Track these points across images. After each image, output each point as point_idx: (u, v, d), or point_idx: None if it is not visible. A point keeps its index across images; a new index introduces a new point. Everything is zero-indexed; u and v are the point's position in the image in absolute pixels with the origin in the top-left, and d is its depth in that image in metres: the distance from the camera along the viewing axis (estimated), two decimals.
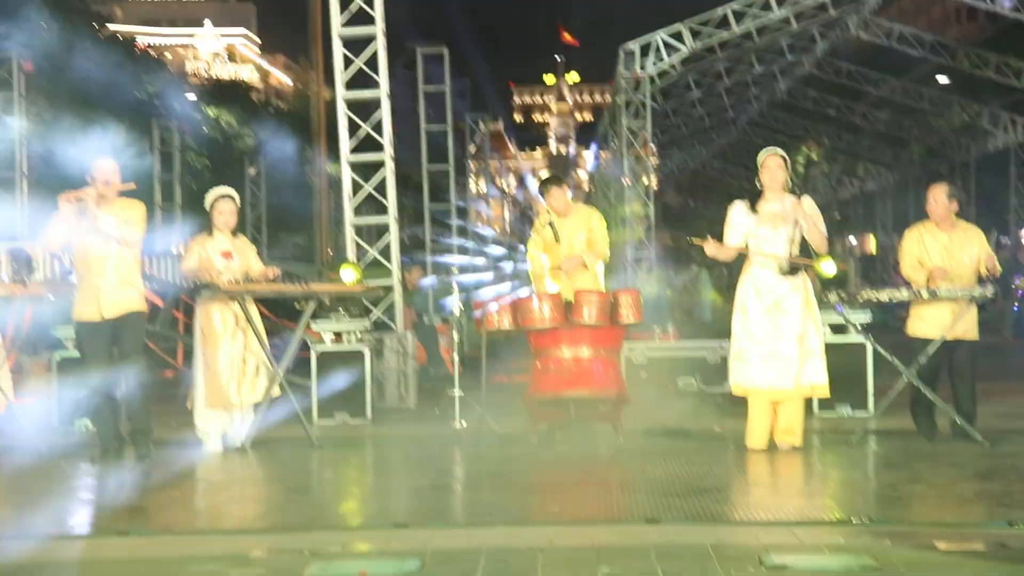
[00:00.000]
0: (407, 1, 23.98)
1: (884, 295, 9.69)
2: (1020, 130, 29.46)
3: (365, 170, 12.98)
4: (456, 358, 10.82)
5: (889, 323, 10.27)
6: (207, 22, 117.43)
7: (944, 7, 25.98)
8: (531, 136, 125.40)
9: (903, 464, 8.60)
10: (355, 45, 12.91)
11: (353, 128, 13.00)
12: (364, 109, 13.00)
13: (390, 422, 11.23)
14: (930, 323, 9.64)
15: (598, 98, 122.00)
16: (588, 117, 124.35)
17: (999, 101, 29.40)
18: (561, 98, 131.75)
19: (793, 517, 6.75)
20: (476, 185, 39.13)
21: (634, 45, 21.98)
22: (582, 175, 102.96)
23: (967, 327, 9.61)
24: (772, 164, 9.24)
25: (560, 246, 10.33)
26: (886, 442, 9.75)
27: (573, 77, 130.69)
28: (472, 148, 31.76)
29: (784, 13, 21.76)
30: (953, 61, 25.90)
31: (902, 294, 9.66)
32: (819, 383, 9.20)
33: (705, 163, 47.71)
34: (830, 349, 9.67)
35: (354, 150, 12.98)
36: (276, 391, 9.81)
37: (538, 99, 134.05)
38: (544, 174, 12.96)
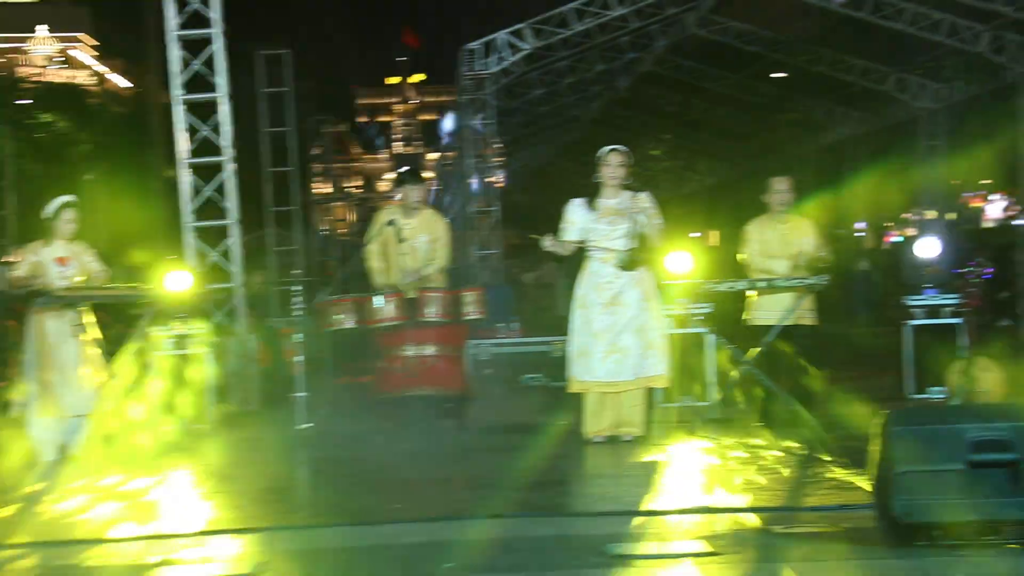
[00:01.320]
0: (249, 3, 23.70)
1: (724, 286, 9.90)
2: (853, 124, 30.22)
3: (206, 173, 12.81)
4: (300, 359, 10.72)
5: (732, 313, 10.47)
6: (41, 26, 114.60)
7: (779, 4, 26.62)
8: (376, 138, 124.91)
9: (743, 451, 8.75)
10: (194, 47, 12.75)
11: (194, 131, 12.83)
12: (205, 111, 12.84)
13: (232, 425, 11.09)
14: (768, 311, 9.90)
15: (443, 98, 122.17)
16: (433, 117, 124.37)
17: (833, 95, 30.10)
18: (405, 99, 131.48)
19: (635, 506, 6.83)
20: (320, 187, 38.82)
21: (476, 44, 22.05)
22: (427, 175, 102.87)
23: (804, 312, 9.89)
24: (613, 160, 9.34)
25: (402, 246, 10.29)
26: (728, 431, 9.92)
27: (418, 78, 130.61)
28: (316, 150, 31.51)
29: (623, 11, 22.01)
30: (788, 57, 26.46)
31: (740, 285, 9.88)
32: (659, 374, 9.32)
33: (551, 161, 48.03)
34: (673, 340, 9.79)
35: (194, 153, 12.81)
36: (113, 398, 9.61)
37: (382, 100, 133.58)
38: (403, 168, 12.91)
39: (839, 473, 7.59)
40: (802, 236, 10.04)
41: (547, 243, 9.28)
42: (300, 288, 10.78)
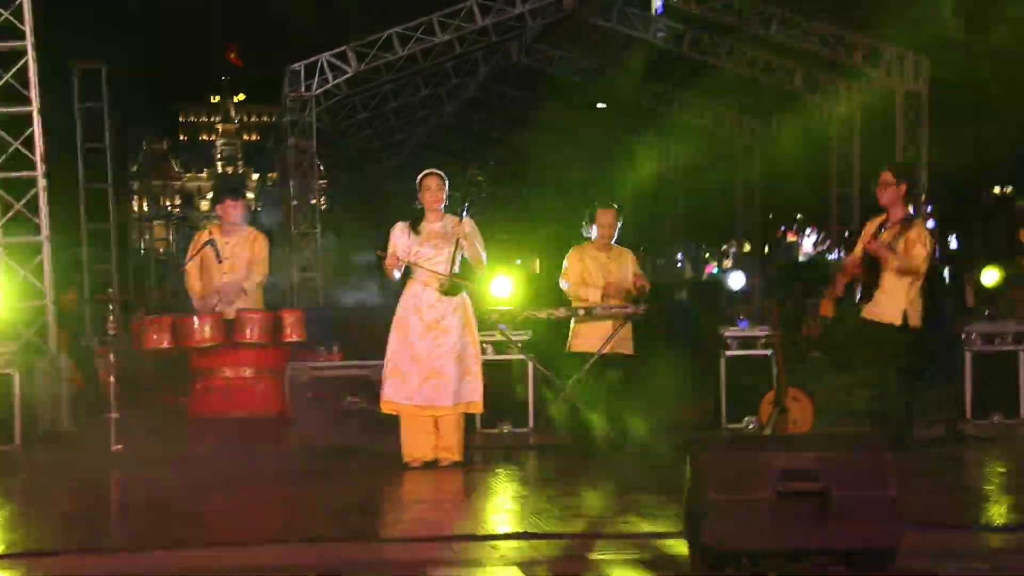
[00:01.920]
0: (68, 16, 23.15)
1: (544, 313, 10.01)
2: (672, 157, 30.85)
3: (18, 188, 12.49)
4: (113, 380, 10.48)
5: (552, 342, 10.60)
6: None
7: (603, 34, 27.19)
8: (197, 156, 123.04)
9: (561, 478, 8.85)
10: (6, 60, 12.44)
11: (5, 145, 12.50)
12: (17, 125, 12.52)
13: (42, 448, 10.78)
14: (588, 339, 10.04)
15: (265, 118, 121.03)
16: (256, 137, 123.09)
17: (654, 128, 30.69)
18: (228, 118, 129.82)
19: (453, 531, 6.85)
20: (139, 205, 38.08)
21: (299, 66, 21.94)
22: (249, 195, 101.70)
23: (621, 341, 10.05)
24: (432, 183, 9.37)
25: (221, 266, 10.17)
26: (546, 457, 10.02)
27: (240, 97, 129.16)
28: (134, 167, 30.90)
29: (447, 37, 22.13)
30: (611, 89, 26.93)
31: (560, 312, 10.00)
32: (475, 400, 9.35)
33: (376, 183, 47.90)
34: (493, 366, 9.85)
35: (5, 167, 12.47)
36: None
37: (204, 119, 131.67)
38: (228, 186, 12.69)
39: (653, 500, 7.71)
40: (622, 266, 10.22)
41: (389, 263, 9.26)
42: (115, 307, 10.54)
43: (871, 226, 9.88)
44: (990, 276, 11.94)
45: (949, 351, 12.30)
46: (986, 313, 12.01)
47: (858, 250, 9.75)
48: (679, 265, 36.98)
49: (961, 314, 16.37)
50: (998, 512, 7.55)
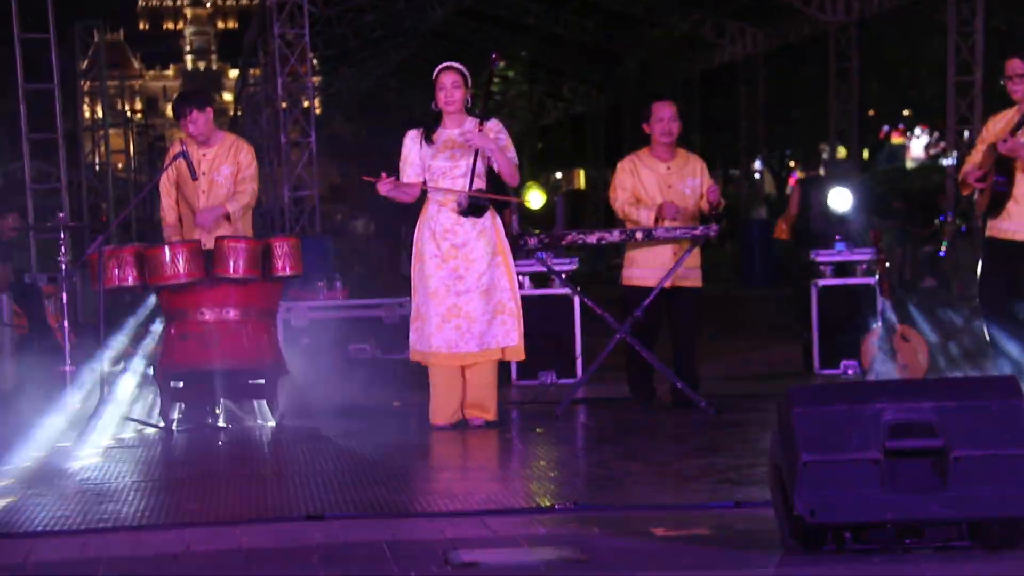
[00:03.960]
0: None
1: (593, 238, 10.01)
2: (749, 41, 30.63)
3: None
4: (67, 325, 10.56)
5: (602, 272, 10.61)
6: None
7: None
8: (161, 49, 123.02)
9: (616, 438, 8.90)
10: None
11: None
12: None
13: None
14: (646, 269, 10.00)
15: (245, 1, 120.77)
16: (233, 25, 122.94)
17: (725, 7, 30.48)
18: (198, 2, 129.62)
19: (485, 505, 6.90)
20: (91, 110, 38.14)
21: None
22: (227, 97, 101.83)
23: (689, 272, 10.01)
24: (447, 81, 9.34)
25: (198, 183, 10.20)
26: (597, 413, 10.08)
27: None
28: (84, 64, 30.93)
29: None
30: None
31: (614, 236, 9.99)
32: (512, 345, 9.37)
33: (380, 82, 47.84)
34: (529, 304, 9.89)
35: None
36: None
37: (169, 2, 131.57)
38: (182, 93, 12.59)
39: (731, 464, 7.75)
40: (688, 177, 10.14)
41: (384, 187, 9.27)
42: (66, 235, 10.60)
43: (996, 123, 9.84)
44: None
45: None
46: None
47: (977, 154, 9.71)
48: (757, 176, 36.89)
49: None
50: None
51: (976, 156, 9.76)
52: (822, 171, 29.78)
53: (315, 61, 29.30)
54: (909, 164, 39.85)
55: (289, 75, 22.27)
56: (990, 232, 9.77)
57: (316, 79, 28.51)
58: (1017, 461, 5.48)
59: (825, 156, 34.32)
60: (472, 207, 9.25)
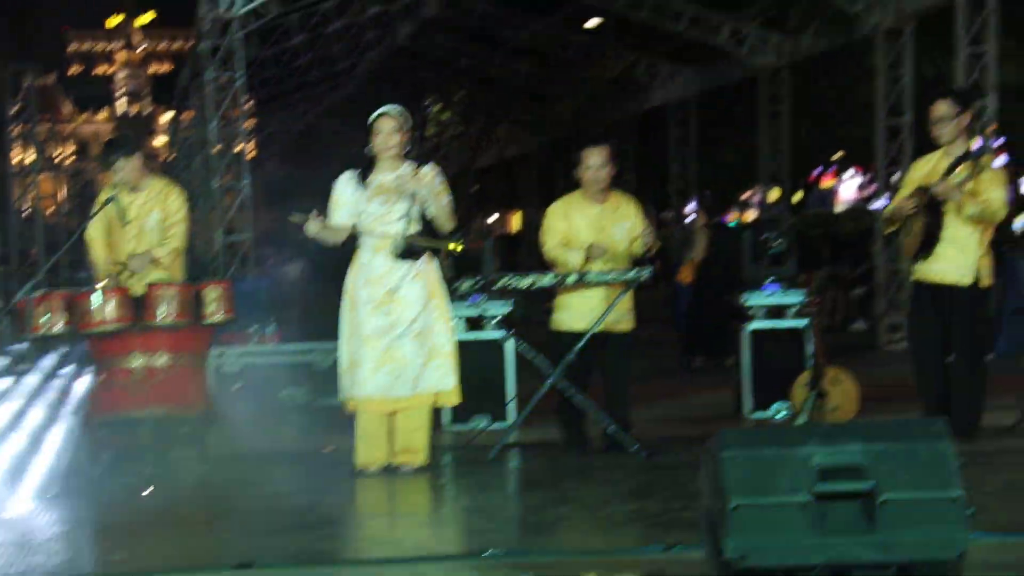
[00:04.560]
0: None
1: (526, 282, 9.99)
2: (681, 83, 30.79)
3: None
4: None
5: (535, 316, 10.60)
6: None
7: None
8: (94, 93, 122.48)
9: (548, 483, 8.88)
10: None
11: None
12: None
13: None
14: (578, 313, 9.99)
15: (178, 45, 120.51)
16: (167, 68, 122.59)
17: (657, 50, 30.63)
18: (130, 45, 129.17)
19: (415, 552, 6.87)
20: (21, 155, 37.90)
21: None
22: (161, 140, 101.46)
23: (621, 316, 10.02)
24: (384, 127, 9.34)
25: (128, 229, 10.15)
26: (529, 457, 10.06)
27: (146, 18, 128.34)
28: (15, 108, 30.73)
29: None
30: (604, 1, 26.82)
31: (547, 280, 9.99)
32: (445, 389, 9.36)
33: (315, 124, 47.76)
34: (463, 347, 9.87)
35: None
36: None
37: (102, 46, 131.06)
38: (109, 141, 12.50)
39: (662, 508, 7.74)
40: (621, 220, 10.15)
41: (312, 227, 9.24)
42: None
43: (922, 166, 9.96)
44: None
45: (1021, 319, 12.39)
46: None
47: (905, 198, 9.80)
48: (692, 218, 37.02)
49: None
50: None
51: (903, 199, 9.85)
52: (754, 214, 29.94)
53: (249, 104, 29.23)
54: (839, 207, 40.07)
55: (222, 119, 22.20)
56: (918, 275, 9.86)
57: (250, 122, 28.42)
58: (944, 504, 5.51)
59: (757, 199, 34.54)
60: (408, 251, 9.24)
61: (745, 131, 31.32)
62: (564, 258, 10.02)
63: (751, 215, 39.20)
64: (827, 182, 42.93)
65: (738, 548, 5.49)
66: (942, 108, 9.73)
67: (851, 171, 40.41)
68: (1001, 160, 23.33)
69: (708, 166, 35.10)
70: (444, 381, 9.35)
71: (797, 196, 33.92)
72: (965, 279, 9.68)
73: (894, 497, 5.52)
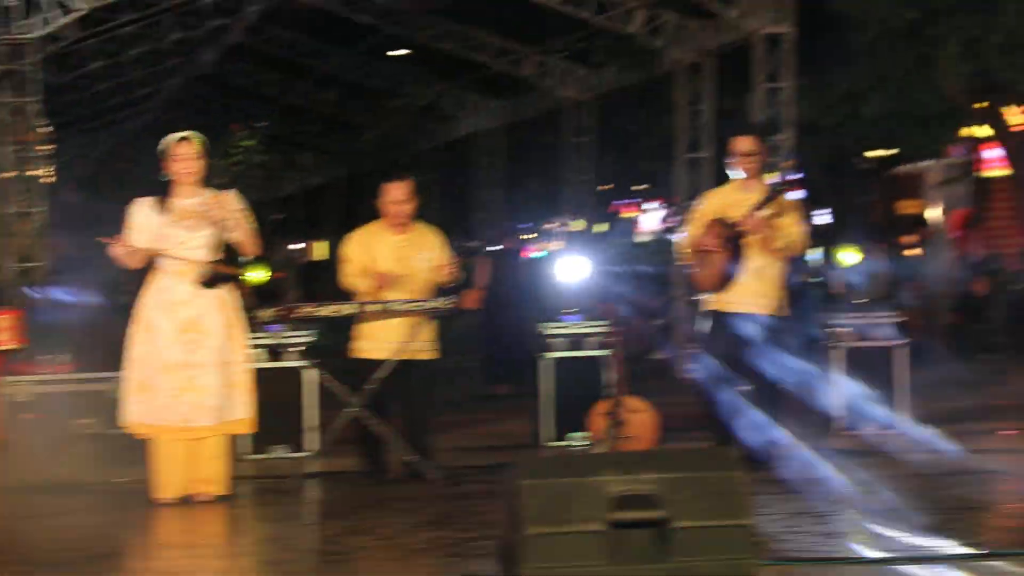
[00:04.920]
0: None
1: (328, 310, 9.95)
2: (488, 114, 30.96)
3: None
4: None
5: (338, 345, 10.56)
6: None
7: None
8: None
9: (346, 513, 8.85)
10: None
11: None
12: None
13: None
14: (379, 342, 9.98)
15: None
16: None
17: (464, 80, 30.78)
18: None
19: None
20: None
21: (14, 1, 21.42)
22: None
23: (423, 345, 10.02)
24: (185, 152, 9.23)
25: None
26: (328, 487, 10.01)
27: None
28: None
29: None
30: (409, 31, 26.87)
31: (349, 308, 9.95)
32: (244, 418, 9.29)
33: (115, 150, 47.13)
34: (263, 376, 9.80)
35: None
36: None
37: None
38: None
39: (461, 537, 7.76)
40: (422, 250, 10.16)
41: (119, 251, 9.11)
42: None
43: (716, 198, 10.18)
44: (849, 259, 12.34)
45: (813, 348, 12.64)
46: (861, 302, 12.36)
47: (696, 229, 9.99)
48: (475, 245, 37.14)
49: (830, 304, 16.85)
50: (867, 542, 7.78)
51: (696, 230, 10.04)
52: (556, 244, 30.10)
53: (46, 129, 28.72)
54: (641, 238, 40.54)
55: (16, 144, 21.77)
56: (715, 306, 10.03)
57: (47, 147, 27.90)
58: (735, 532, 5.61)
59: (562, 228, 34.81)
60: (212, 279, 9.16)
61: (551, 162, 31.61)
62: (356, 286, 10.01)
63: (556, 245, 39.49)
64: (630, 213, 43.43)
65: None
66: (748, 144, 9.97)
67: (654, 203, 40.91)
68: (798, 194, 23.80)
69: (515, 196, 35.32)
70: (242, 410, 9.28)
71: (601, 227, 34.24)
72: (765, 310, 9.90)
73: (687, 525, 5.60)
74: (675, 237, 10.50)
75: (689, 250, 10.12)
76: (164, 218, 9.21)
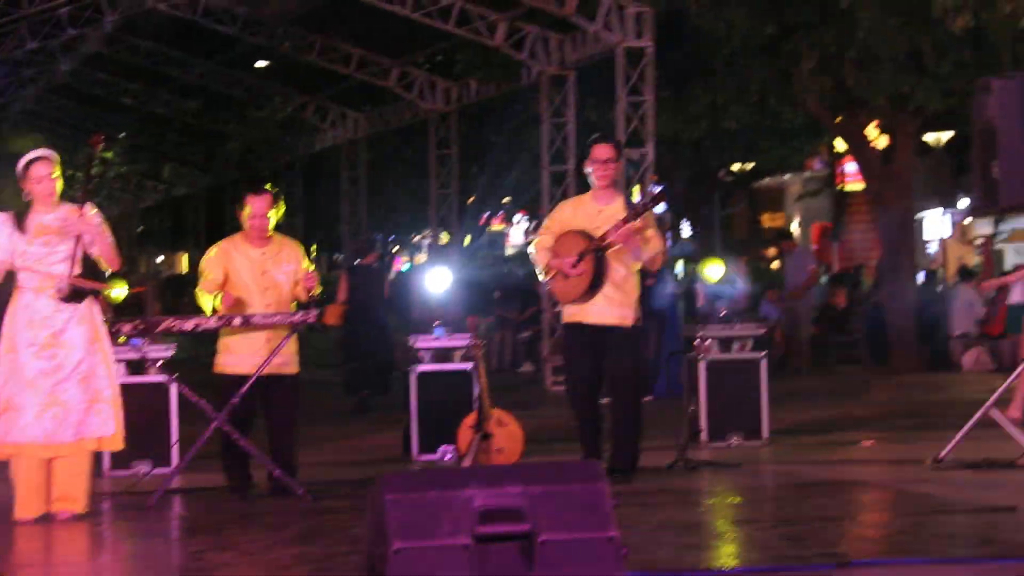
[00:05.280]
0: None
1: (190, 324, 9.87)
2: (351, 125, 30.90)
3: None
4: None
5: (203, 358, 10.49)
6: None
7: None
8: None
9: (211, 528, 8.79)
10: None
11: None
12: None
13: None
14: (240, 356, 9.92)
15: None
16: None
17: (327, 91, 30.69)
18: None
19: None
20: None
21: None
22: None
23: (286, 360, 9.98)
24: (40, 172, 9.11)
25: None
26: (192, 503, 9.94)
27: None
28: None
29: None
30: (272, 42, 26.74)
31: (211, 323, 9.88)
32: (107, 435, 9.19)
33: None
34: (125, 391, 9.72)
35: None
36: None
37: None
38: None
39: (325, 553, 7.75)
40: (282, 263, 10.10)
41: None
42: None
43: (569, 208, 10.31)
44: (714, 272, 12.51)
45: (677, 361, 12.80)
46: (722, 315, 12.53)
47: (549, 239, 10.11)
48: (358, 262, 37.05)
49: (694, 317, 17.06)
50: (732, 553, 7.90)
51: (549, 242, 10.14)
52: (423, 257, 30.20)
53: None
54: (509, 251, 40.70)
55: None
56: (574, 318, 10.12)
57: None
58: (599, 544, 5.67)
59: (428, 241, 34.87)
60: (72, 294, 9.07)
61: (416, 174, 31.62)
62: (210, 303, 9.95)
63: (422, 258, 39.52)
64: (497, 226, 43.60)
65: None
66: (605, 151, 10.11)
67: (519, 215, 41.12)
68: (661, 207, 24.08)
69: (379, 208, 35.29)
70: (106, 426, 9.18)
71: (468, 239, 34.32)
72: (627, 320, 10.04)
73: (552, 538, 5.65)
74: (529, 248, 10.56)
75: (544, 263, 10.19)
76: (20, 237, 9.11)
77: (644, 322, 10.46)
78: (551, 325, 19.58)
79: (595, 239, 9.90)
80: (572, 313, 10.19)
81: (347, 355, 16.50)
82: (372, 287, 16.05)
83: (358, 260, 17.02)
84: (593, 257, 9.91)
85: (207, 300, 9.95)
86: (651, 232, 10.05)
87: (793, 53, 18.17)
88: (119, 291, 10.00)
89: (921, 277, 22.94)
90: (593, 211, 10.13)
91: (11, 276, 9.19)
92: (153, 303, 12.27)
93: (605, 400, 10.37)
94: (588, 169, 10.24)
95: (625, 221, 9.81)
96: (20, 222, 9.14)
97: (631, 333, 10.13)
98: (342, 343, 16.85)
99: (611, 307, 10.02)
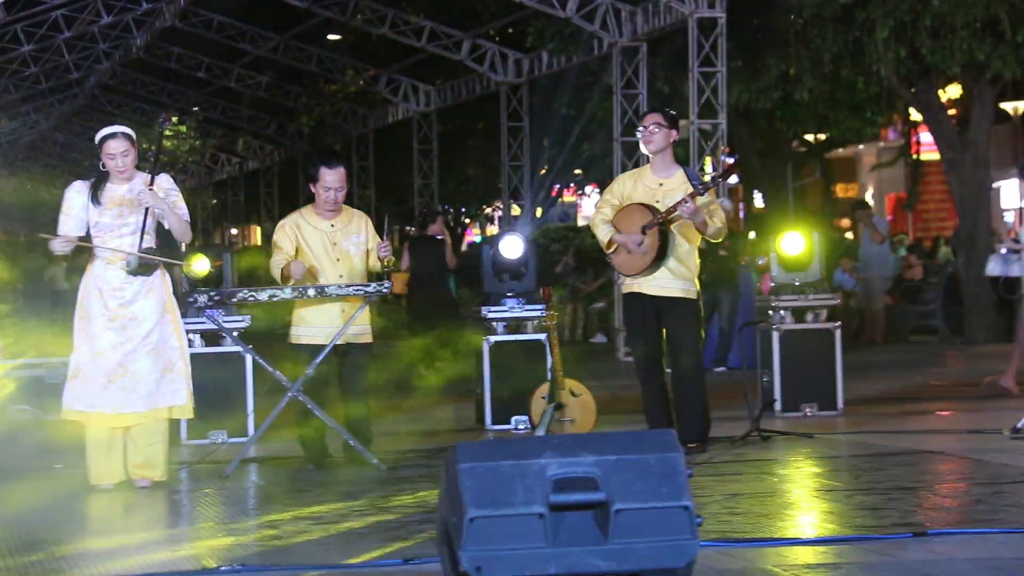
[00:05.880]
0: None
1: (264, 295, 9.94)
2: (422, 98, 30.93)
3: None
4: None
5: (278, 329, 10.57)
6: None
7: None
8: None
9: (286, 498, 8.86)
10: None
11: None
12: None
13: None
14: (315, 327, 9.98)
15: None
16: None
17: (398, 64, 30.73)
18: None
19: (150, 569, 6.80)
20: None
21: None
22: None
23: (360, 330, 10.03)
24: (116, 148, 9.18)
25: None
26: (268, 472, 10.02)
27: None
28: None
29: None
30: (344, 15, 26.79)
31: (286, 293, 9.94)
32: (179, 404, 9.28)
33: (45, 135, 46.79)
34: (200, 362, 9.78)
35: None
36: None
37: None
38: None
39: (401, 520, 7.79)
40: (352, 235, 10.14)
41: (57, 245, 9.14)
42: None
43: (628, 181, 10.30)
44: (793, 243, 12.41)
45: (751, 331, 12.74)
46: (796, 284, 12.45)
47: (610, 212, 10.09)
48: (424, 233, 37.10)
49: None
50: (808, 523, 7.88)
51: (609, 214, 10.12)
52: (495, 229, 30.17)
53: None
54: (581, 222, 40.63)
55: None
56: (637, 288, 10.10)
57: None
58: (674, 513, 5.65)
59: (500, 213, 34.85)
60: (141, 266, 9.14)
61: (487, 146, 31.60)
62: (273, 275, 10.01)
63: (494, 230, 39.52)
64: (568, 197, 43.52)
65: (473, 559, 5.56)
66: (651, 118, 10.12)
67: (590, 188, 41.02)
68: (733, 178, 23.98)
69: (451, 181, 35.32)
70: (178, 395, 9.28)
71: (539, 211, 34.29)
72: (690, 293, 10.03)
73: (626, 507, 5.64)
74: (592, 220, 10.52)
75: (606, 237, 10.16)
76: (98, 206, 9.20)
77: (719, 294, 10.44)
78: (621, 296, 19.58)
79: (659, 213, 9.88)
80: (634, 285, 10.18)
81: (410, 324, 16.52)
82: (435, 257, 16.04)
83: (422, 231, 17.04)
84: (658, 231, 9.89)
85: (279, 272, 10.00)
86: (715, 206, 10.04)
87: (867, 22, 18.03)
88: (201, 265, 10.04)
89: (1003, 250, 22.69)
90: (653, 184, 10.12)
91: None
92: (230, 276, 12.36)
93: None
94: (639, 136, 10.29)
95: (693, 196, 9.77)
96: (96, 192, 9.23)
97: (694, 305, 10.12)
98: (405, 312, 16.88)
99: (674, 279, 10.02)
